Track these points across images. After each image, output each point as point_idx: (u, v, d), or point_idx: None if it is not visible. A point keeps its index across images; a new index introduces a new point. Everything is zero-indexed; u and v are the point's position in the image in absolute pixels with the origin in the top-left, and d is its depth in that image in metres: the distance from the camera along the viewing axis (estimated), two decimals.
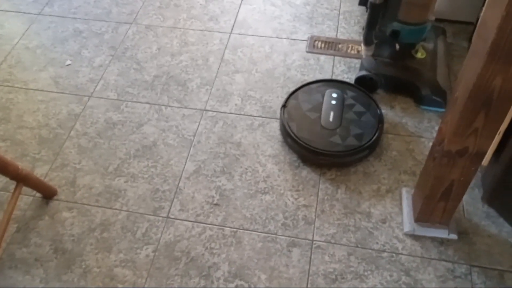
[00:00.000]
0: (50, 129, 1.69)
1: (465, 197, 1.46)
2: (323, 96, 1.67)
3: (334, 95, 1.66)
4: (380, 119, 1.62)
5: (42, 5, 2.20)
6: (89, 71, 1.90)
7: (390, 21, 1.63)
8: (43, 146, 1.64)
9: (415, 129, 1.66)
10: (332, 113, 1.61)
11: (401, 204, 1.47)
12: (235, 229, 1.43)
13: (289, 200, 1.49)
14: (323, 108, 1.63)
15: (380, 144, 1.62)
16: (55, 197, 1.51)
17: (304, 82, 1.74)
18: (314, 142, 1.54)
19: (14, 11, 2.17)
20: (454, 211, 1.35)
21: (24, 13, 2.16)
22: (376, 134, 1.57)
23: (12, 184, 1.43)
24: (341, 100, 1.65)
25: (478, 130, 1.09)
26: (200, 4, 2.17)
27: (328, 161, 1.56)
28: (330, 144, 1.54)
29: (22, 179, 1.36)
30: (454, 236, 1.38)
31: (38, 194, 1.50)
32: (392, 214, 1.45)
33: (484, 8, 1.68)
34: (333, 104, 1.64)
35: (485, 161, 1.42)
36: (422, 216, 1.37)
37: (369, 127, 1.59)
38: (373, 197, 1.49)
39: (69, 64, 1.92)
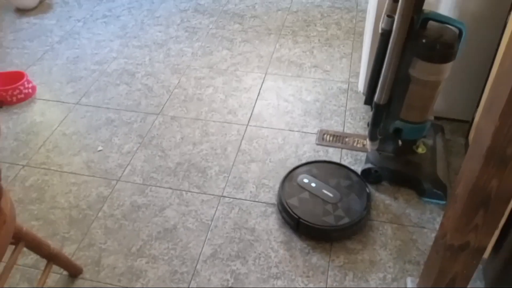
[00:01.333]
0: (80, 210, 1.73)
1: None
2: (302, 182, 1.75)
3: (306, 180, 1.74)
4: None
5: (79, 96, 2.32)
6: (118, 157, 1.97)
7: (393, 119, 1.69)
8: (73, 226, 1.68)
9: (418, 220, 1.68)
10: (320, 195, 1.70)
11: None
12: None
13: (300, 285, 1.48)
14: (313, 192, 1.71)
15: (382, 232, 1.63)
16: (81, 276, 1.52)
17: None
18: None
19: (54, 101, 2.30)
20: None
21: (64, 102, 2.28)
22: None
23: (41, 262, 1.45)
24: (316, 183, 1.73)
25: (479, 226, 1.11)
26: (220, 99, 2.28)
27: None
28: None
29: (52, 258, 1.38)
30: None
31: (65, 272, 1.51)
32: None
33: (479, 117, 1.75)
34: (314, 187, 1.72)
35: (486, 254, 1.42)
36: None
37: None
38: (379, 285, 1.48)
39: (100, 150, 2.00)
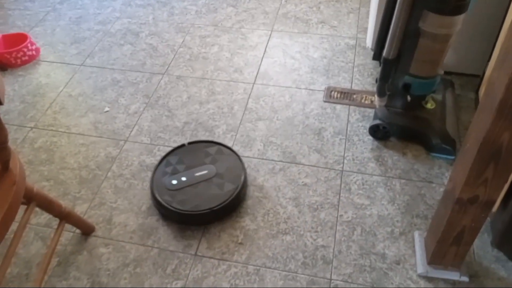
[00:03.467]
0: (89, 170, 1.75)
1: (475, 241, 1.45)
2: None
3: (174, 182, 1.60)
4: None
5: (84, 57, 2.29)
6: (125, 117, 1.96)
7: (402, 74, 1.67)
8: (83, 186, 1.69)
9: (426, 175, 1.67)
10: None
11: (414, 246, 1.46)
12: (258, 267, 1.43)
13: (308, 240, 1.50)
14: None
15: (390, 188, 1.63)
16: (93, 234, 1.54)
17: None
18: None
19: (59, 62, 2.27)
20: (465, 255, 1.35)
21: (68, 64, 2.26)
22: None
23: (54, 221, 1.47)
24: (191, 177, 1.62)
25: (488, 180, 1.11)
26: (226, 57, 2.25)
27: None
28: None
29: (64, 216, 1.40)
30: (465, 279, 1.37)
31: (78, 231, 1.54)
32: (406, 256, 1.45)
33: (491, 69, 1.71)
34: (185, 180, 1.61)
35: (494, 207, 1.42)
36: (435, 259, 1.37)
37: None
38: (387, 239, 1.49)
39: (107, 111, 1.99)
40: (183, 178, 1.61)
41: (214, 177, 1.61)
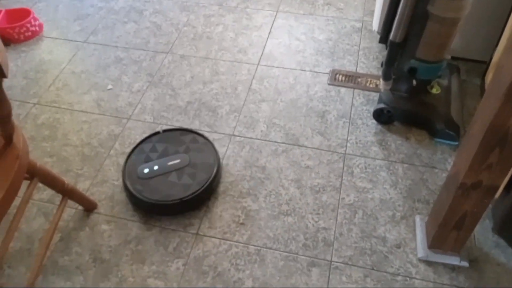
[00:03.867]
0: (92, 148, 1.74)
1: (476, 227, 1.45)
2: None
3: (146, 170, 1.56)
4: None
5: (87, 34, 2.27)
6: (128, 95, 1.95)
7: (408, 58, 1.66)
8: (86, 163, 1.69)
9: (429, 160, 1.67)
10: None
11: (415, 230, 1.47)
12: (259, 248, 1.44)
13: (310, 222, 1.50)
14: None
15: (393, 172, 1.63)
16: (95, 211, 1.55)
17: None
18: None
19: (62, 39, 2.25)
20: (466, 240, 1.35)
21: (71, 40, 2.24)
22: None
23: (57, 197, 1.47)
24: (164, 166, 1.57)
25: (493, 165, 1.10)
26: (231, 37, 2.23)
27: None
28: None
29: (67, 193, 1.40)
30: (465, 264, 1.38)
31: (80, 207, 1.54)
32: (406, 239, 1.45)
33: (500, 53, 1.69)
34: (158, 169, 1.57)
35: (497, 193, 1.42)
36: (435, 243, 1.38)
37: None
38: (388, 222, 1.50)
39: (110, 89, 1.98)
40: (155, 167, 1.56)
41: (187, 166, 1.57)
